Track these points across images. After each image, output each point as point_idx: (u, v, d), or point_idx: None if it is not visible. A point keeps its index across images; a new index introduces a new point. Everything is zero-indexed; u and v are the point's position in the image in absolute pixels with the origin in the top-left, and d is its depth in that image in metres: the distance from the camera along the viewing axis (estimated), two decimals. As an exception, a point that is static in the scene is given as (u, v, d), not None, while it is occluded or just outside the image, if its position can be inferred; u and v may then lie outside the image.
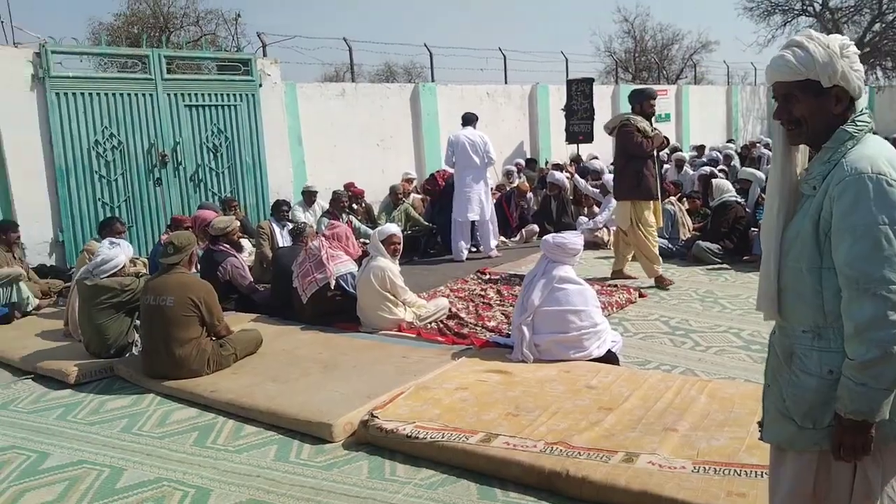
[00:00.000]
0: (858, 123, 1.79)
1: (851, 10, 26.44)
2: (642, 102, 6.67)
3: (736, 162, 12.67)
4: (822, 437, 1.80)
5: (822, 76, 1.76)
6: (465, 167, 8.54)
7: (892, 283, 1.64)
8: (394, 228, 5.88)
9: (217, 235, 6.41)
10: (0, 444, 3.79)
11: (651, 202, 6.62)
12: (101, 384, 4.70)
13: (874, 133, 1.83)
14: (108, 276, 5.07)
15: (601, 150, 14.63)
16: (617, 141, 6.83)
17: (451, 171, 8.90)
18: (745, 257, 7.62)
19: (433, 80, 13.24)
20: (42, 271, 7.55)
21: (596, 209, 9.74)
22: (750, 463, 2.92)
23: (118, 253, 5.16)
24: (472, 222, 8.70)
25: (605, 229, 8.97)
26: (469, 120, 8.71)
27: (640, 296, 6.35)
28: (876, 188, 1.68)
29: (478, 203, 8.55)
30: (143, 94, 8.57)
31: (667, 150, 14.16)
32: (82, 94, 8.09)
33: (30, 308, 6.57)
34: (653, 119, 6.73)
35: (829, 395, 1.77)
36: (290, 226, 7.39)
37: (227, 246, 6.42)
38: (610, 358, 4.52)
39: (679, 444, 3.18)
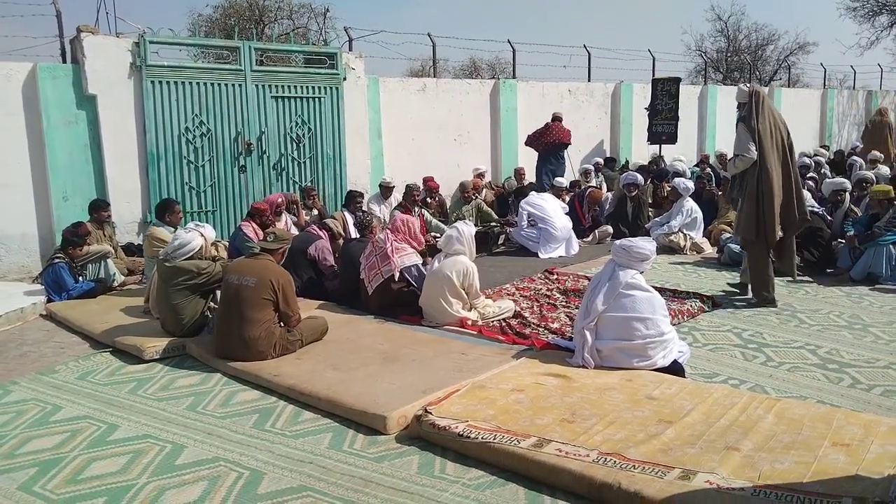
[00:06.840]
0: None
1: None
2: None
3: (826, 170, 12.00)
4: None
5: None
6: None
7: None
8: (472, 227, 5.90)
9: (325, 225, 7.05)
10: (76, 413, 4.02)
11: None
12: (173, 361, 4.91)
13: None
14: (186, 259, 5.28)
15: (684, 152, 14.15)
16: None
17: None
18: (829, 270, 7.22)
19: (514, 77, 13.15)
20: (130, 249, 7.96)
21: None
22: (815, 491, 2.75)
23: (194, 237, 5.36)
24: None
25: (680, 234, 8.70)
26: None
27: (714, 305, 6.12)
28: None
29: None
30: (233, 85, 8.85)
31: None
32: (176, 82, 8.44)
33: (115, 284, 6.93)
34: None
35: None
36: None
37: (324, 233, 6.87)
38: (675, 369, 4.37)
39: (740, 465, 3.04)
